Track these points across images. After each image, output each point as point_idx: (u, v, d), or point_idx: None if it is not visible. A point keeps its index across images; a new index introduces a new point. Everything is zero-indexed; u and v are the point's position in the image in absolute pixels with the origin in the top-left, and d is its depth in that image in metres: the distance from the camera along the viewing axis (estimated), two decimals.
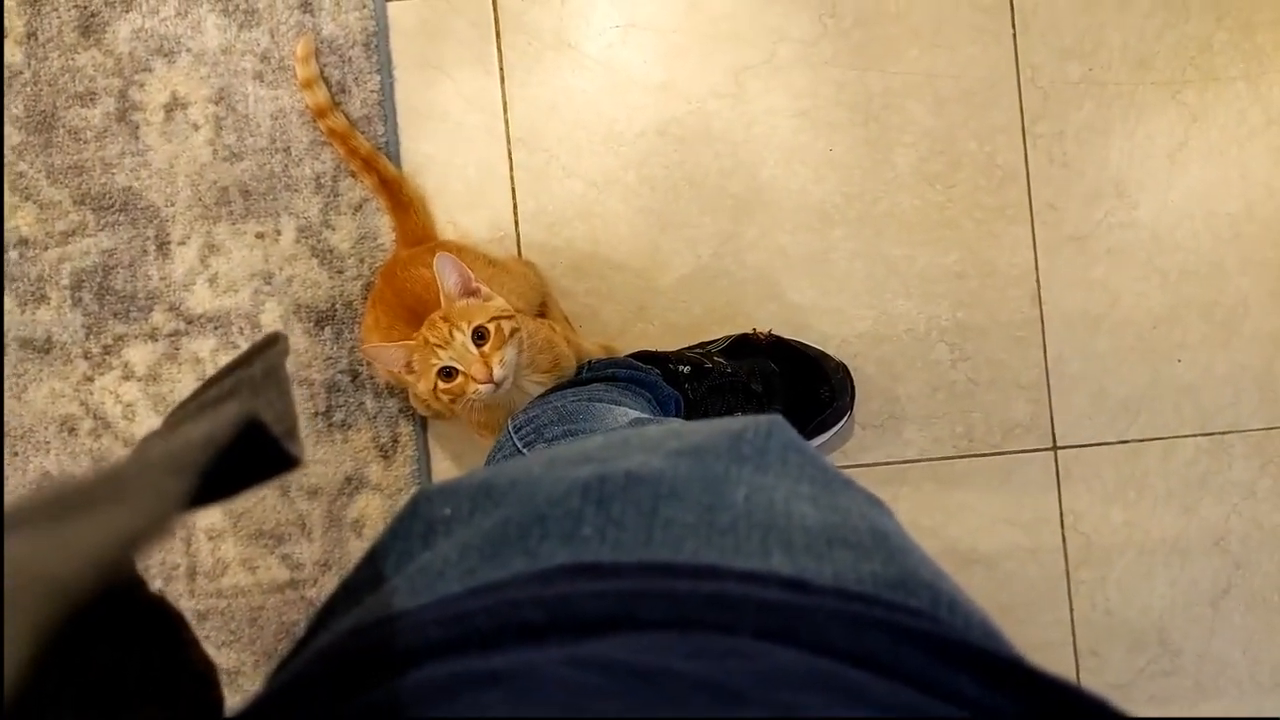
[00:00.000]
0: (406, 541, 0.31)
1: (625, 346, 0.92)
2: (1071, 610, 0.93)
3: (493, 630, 0.24)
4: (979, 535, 0.93)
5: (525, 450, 0.59)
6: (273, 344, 0.35)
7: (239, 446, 0.24)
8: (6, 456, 0.91)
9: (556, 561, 0.27)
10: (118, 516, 0.19)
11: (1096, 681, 0.93)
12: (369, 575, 0.31)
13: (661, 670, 0.22)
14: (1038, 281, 0.92)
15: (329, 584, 0.91)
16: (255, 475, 0.26)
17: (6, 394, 0.91)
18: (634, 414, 0.64)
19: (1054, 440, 0.92)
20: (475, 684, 0.22)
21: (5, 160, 0.93)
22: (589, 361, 0.83)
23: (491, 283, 0.78)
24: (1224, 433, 0.92)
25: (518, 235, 0.94)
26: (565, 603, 0.25)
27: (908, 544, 0.32)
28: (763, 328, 0.90)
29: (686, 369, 0.84)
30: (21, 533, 0.18)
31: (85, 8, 0.94)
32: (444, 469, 0.93)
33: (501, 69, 0.94)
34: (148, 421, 0.91)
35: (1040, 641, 0.93)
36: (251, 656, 0.89)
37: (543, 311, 0.89)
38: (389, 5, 0.94)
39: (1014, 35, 0.91)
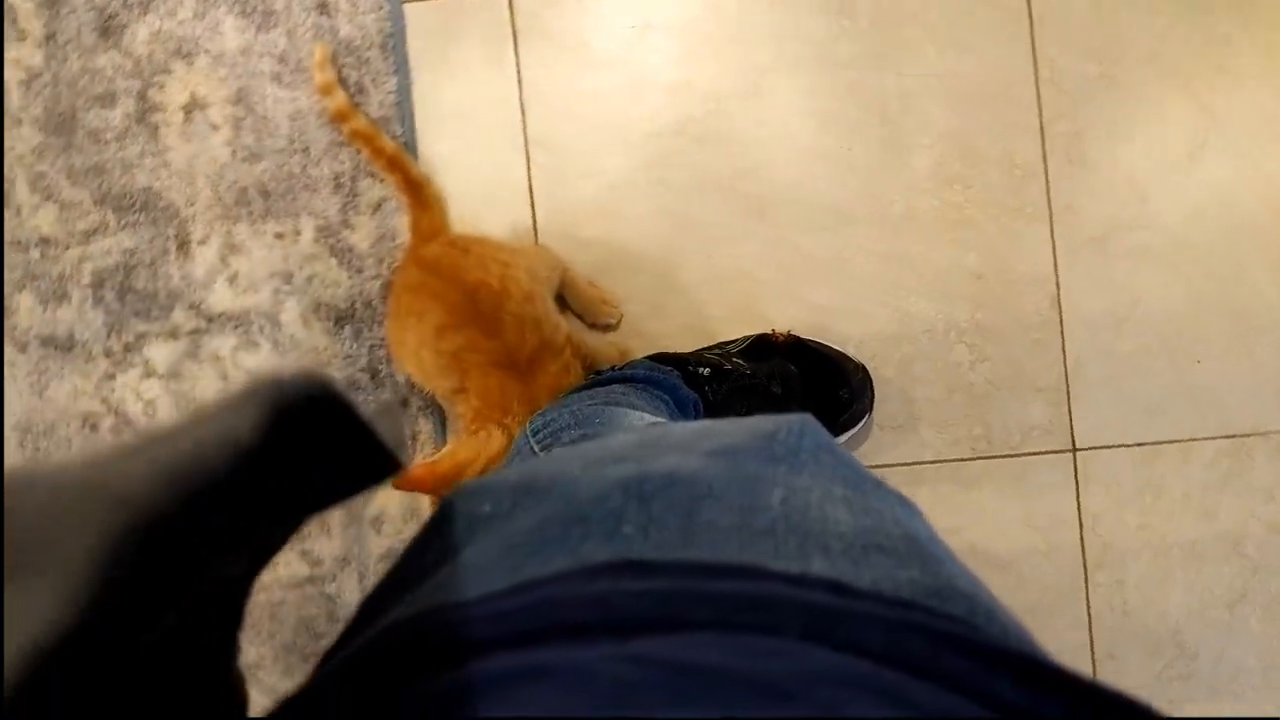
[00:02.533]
0: (448, 537, 0.32)
1: (643, 347, 0.92)
2: (1089, 612, 0.93)
3: (538, 628, 0.25)
4: (996, 537, 0.92)
5: (543, 451, 0.59)
6: (396, 402, 0.35)
7: (331, 442, 0.24)
8: (28, 452, 0.92)
9: (599, 559, 0.27)
10: (186, 438, 0.19)
11: (1114, 685, 0.92)
12: (413, 570, 0.31)
13: (707, 667, 0.22)
14: (1057, 283, 0.91)
15: (348, 580, 0.91)
16: (358, 477, 0.26)
17: (29, 390, 0.91)
18: (650, 419, 0.64)
19: (1073, 442, 0.92)
20: (525, 679, 0.22)
21: (24, 160, 0.94)
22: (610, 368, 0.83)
23: (510, 265, 0.79)
24: (1244, 435, 0.91)
25: (535, 236, 0.94)
26: (609, 601, 0.25)
27: (941, 551, 0.32)
28: (782, 328, 0.90)
29: (706, 371, 0.84)
30: (96, 458, 0.18)
31: (104, 10, 0.94)
32: None
33: (519, 70, 0.94)
34: (170, 418, 0.91)
35: (1058, 644, 0.92)
36: (271, 650, 0.90)
37: (562, 293, 0.90)
38: (406, 6, 0.94)
39: (1031, 34, 0.91)
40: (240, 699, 0.27)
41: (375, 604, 0.31)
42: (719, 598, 0.25)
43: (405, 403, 0.92)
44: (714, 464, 0.32)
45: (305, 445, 0.23)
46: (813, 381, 0.88)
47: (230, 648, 0.26)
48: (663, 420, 0.64)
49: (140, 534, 0.17)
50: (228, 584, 0.25)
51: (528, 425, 0.65)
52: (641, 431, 0.44)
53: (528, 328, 0.79)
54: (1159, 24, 0.90)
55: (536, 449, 0.60)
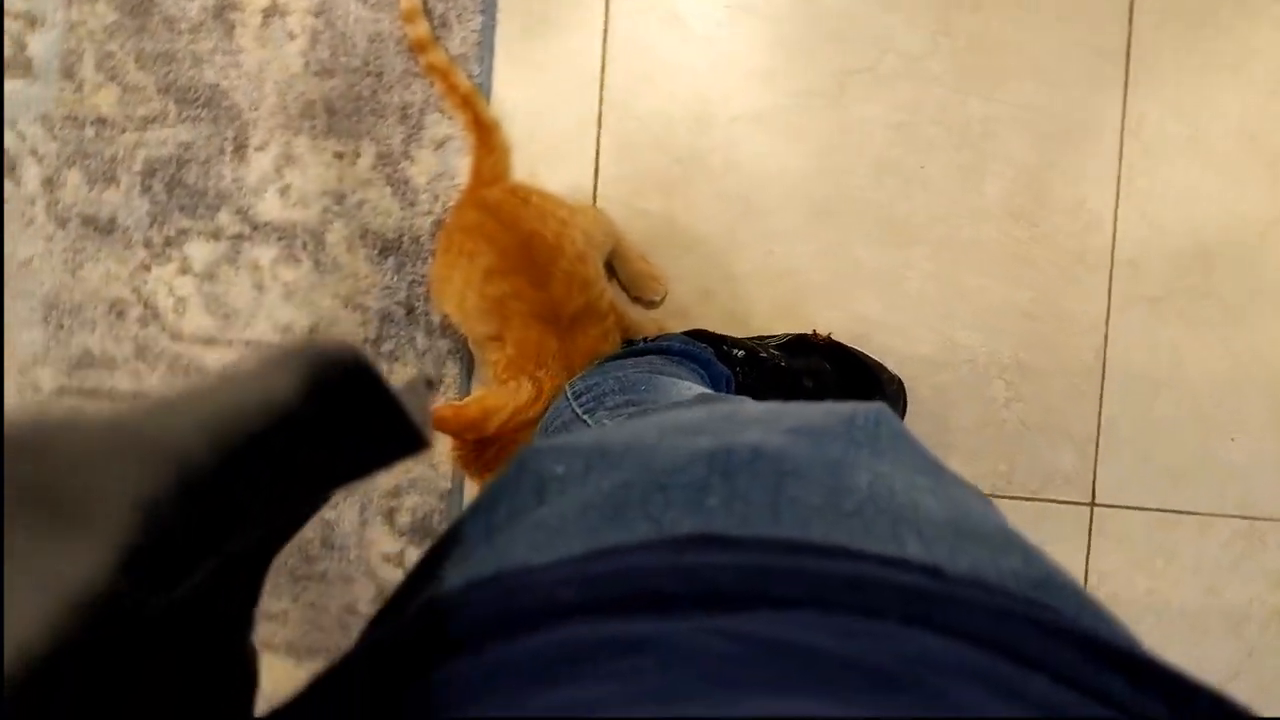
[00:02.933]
0: (517, 496, 0.30)
1: (682, 328, 0.91)
2: None
3: (624, 596, 0.23)
4: None
5: (587, 418, 0.58)
6: (421, 379, 0.35)
7: (362, 414, 0.23)
8: (52, 329, 0.90)
9: (682, 530, 0.26)
10: (226, 394, 0.19)
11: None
12: (479, 527, 0.29)
13: (809, 648, 0.21)
14: (1106, 335, 0.91)
15: (349, 510, 0.90)
16: (383, 452, 0.26)
17: (62, 267, 0.90)
18: (697, 389, 0.63)
19: (1093, 496, 0.91)
20: (617, 649, 0.21)
21: (95, 36, 0.92)
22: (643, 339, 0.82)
23: (568, 223, 0.78)
24: (1264, 519, 0.90)
25: (595, 198, 0.92)
26: (697, 573, 0.24)
27: (1034, 546, 0.31)
28: (823, 330, 0.89)
29: (740, 353, 0.83)
30: (136, 407, 0.18)
31: None
32: None
33: (606, 28, 0.93)
34: (197, 319, 0.90)
35: None
36: None
37: (610, 262, 0.89)
38: None
39: (1126, 84, 0.90)
40: (252, 672, 0.26)
41: (438, 559, 0.29)
42: (814, 576, 0.24)
43: (431, 383, 0.91)
44: (798, 442, 0.31)
45: (338, 414, 0.22)
46: (846, 384, 0.87)
47: (246, 621, 0.26)
48: (709, 391, 0.62)
49: (181, 489, 0.16)
50: (249, 555, 0.24)
51: (568, 388, 0.64)
52: (709, 405, 0.42)
53: (575, 287, 0.78)
54: (1256, 98, 0.89)
55: (579, 412, 0.58)
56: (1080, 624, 0.25)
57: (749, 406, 0.38)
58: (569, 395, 0.63)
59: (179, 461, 0.17)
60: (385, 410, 0.24)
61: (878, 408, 0.36)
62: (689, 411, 0.39)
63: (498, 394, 0.77)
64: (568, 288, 0.77)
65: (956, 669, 0.22)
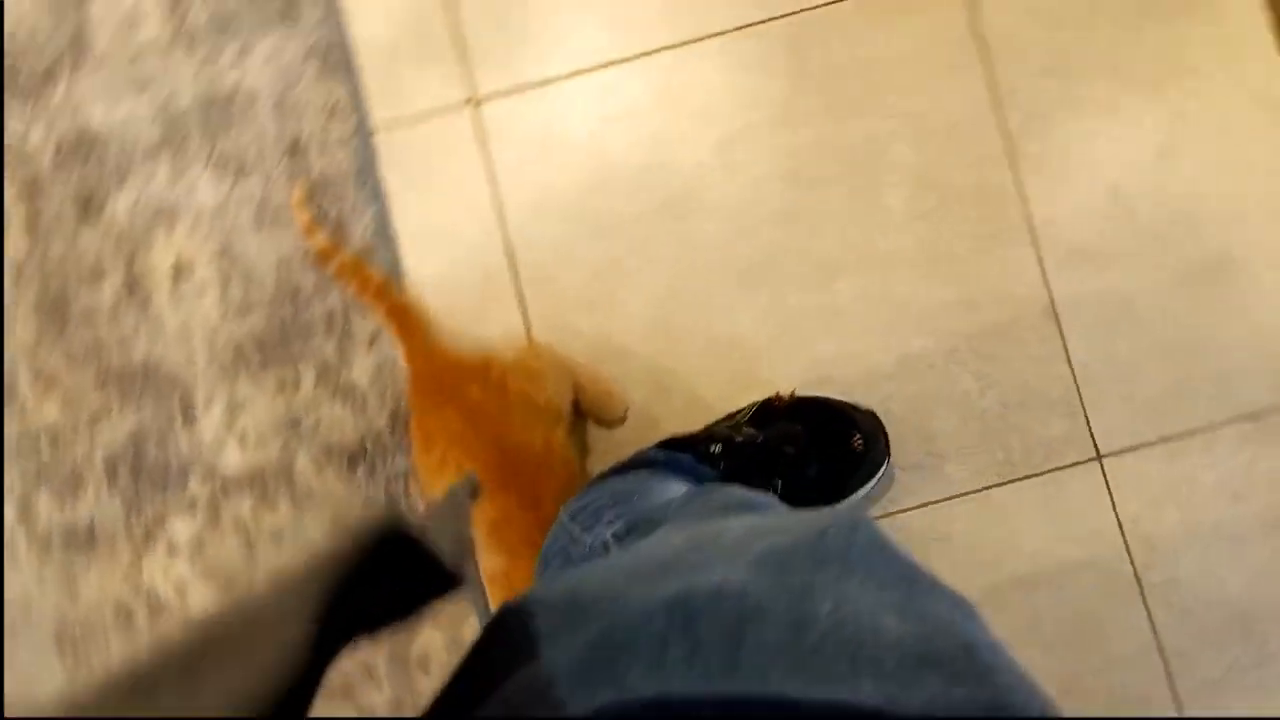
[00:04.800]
0: (495, 662, 0.33)
1: (651, 430, 0.92)
2: (1149, 615, 0.92)
3: None
4: (1039, 558, 0.92)
5: (585, 536, 0.60)
6: (465, 484, 0.41)
7: (395, 560, 0.29)
8: (68, 659, 0.91)
9: (642, 693, 0.28)
10: (317, 570, 0.27)
11: (1189, 683, 0.91)
12: (461, 690, 0.32)
13: None
14: (1051, 297, 0.92)
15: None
16: (420, 593, 0.30)
17: (58, 593, 0.91)
18: (685, 487, 0.64)
19: (1096, 450, 0.92)
20: None
21: (24, 351, 0.95)
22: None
23: (533, 389, 0.80)
24: (1265, 414, 0.91)
25: (529, 339, 0.94)
26: None
27: (1000, 660, 0.32)
28: (785, 390, 0.90)
29: (718, 448, 0.84)
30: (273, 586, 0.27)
31: (81, 189, 0.96)
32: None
33: (493, 175, 0.95)
34: (201, 594, 0.91)
35: (1125, 651, 0.91)
36: None
37: (577, 397, 0.89)
38: (373, 138, 0.96)
39: (986, 61, 0.93)
40: None
41: None
42: None
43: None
44: (761, 577, 0.33)
45: (380, 571, 0.28)
46: (824, 435, 0.88)
47: None
48: (701, 487, 0.65)
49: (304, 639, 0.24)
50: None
51: (564, 511, 0.66)
52: (688, 533, 0.44)
53: (562, 476, 0.78)
54: (1112, 33, 0.92)
55: (578, 532, 0.60)
56: None
57: (730, 531, 0.39)
58: (564, 518, 0.65)
59: (308, 619, 0.25)
60: (420, 562, 0.29)
61: (853, 519, 0.38)
62: (665, 542, 0.41)
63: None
64: (557, 502, 0.74)
65: None
